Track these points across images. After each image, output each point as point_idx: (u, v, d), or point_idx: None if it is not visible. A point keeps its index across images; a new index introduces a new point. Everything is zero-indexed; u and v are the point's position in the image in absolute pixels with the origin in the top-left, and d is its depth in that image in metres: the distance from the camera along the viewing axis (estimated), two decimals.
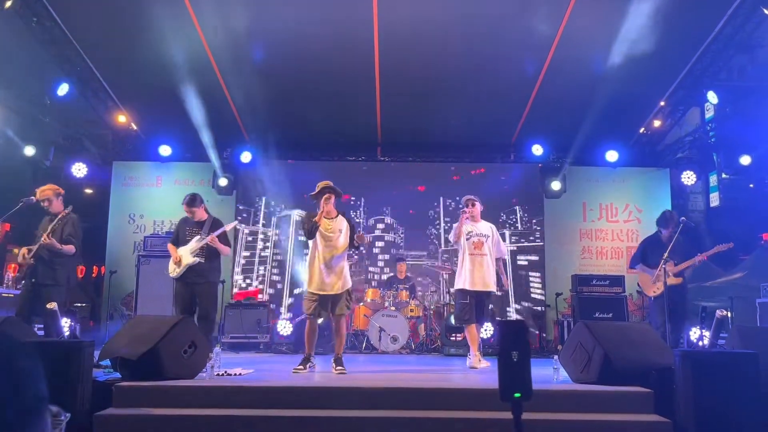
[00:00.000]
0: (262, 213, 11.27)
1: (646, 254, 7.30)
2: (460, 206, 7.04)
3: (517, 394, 1.95)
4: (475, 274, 6.66)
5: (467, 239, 6.76)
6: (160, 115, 10.66)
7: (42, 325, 6.19)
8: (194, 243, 6.54)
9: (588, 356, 4.97)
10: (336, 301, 6.09)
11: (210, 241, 6.46)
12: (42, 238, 6.26)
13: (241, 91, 10.01)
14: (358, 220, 11.02)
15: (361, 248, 6.35)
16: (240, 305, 9.91)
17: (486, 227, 6.92)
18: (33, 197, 6.57)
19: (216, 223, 6.75)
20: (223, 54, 9.20)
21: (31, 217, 7.20)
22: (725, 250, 6.88)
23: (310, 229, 6.05)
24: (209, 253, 6.57)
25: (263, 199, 11.27)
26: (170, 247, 6.69)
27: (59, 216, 6.47)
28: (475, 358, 6.57)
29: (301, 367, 5.90)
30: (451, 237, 6.96)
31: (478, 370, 6.37)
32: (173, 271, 6.52)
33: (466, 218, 6.72)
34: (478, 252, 6.71)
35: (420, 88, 9.83)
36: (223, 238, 6.66)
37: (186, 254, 6.48)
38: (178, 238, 6.70)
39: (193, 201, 6.72)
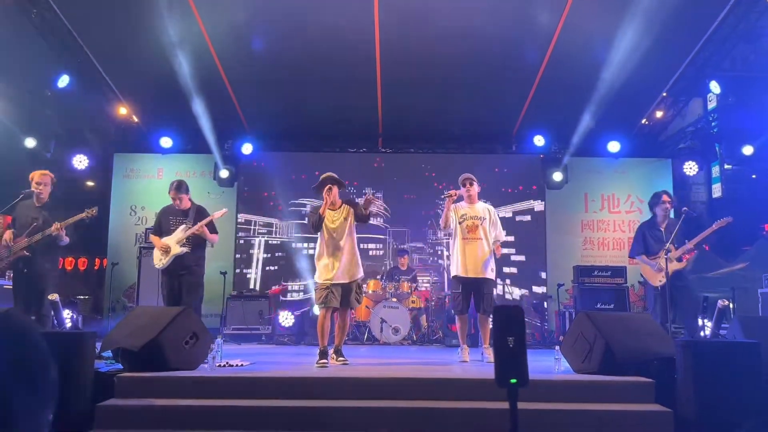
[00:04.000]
0: (263, 204, 11.26)
1: (647, 242, 7.12)
2: (448, 189, 6.49)
3: (513, 380, 1.94)
4: (468, 260, 6.20)
5: (460, 222, 6.29)
6: (161, 107, 10.64)
7: (35, 317, 6.16)
8: (180, 233, 6.40)
9: (589, 346, 4.97)
10: (346, 292, 5.94)
11: (198, 230, 6.34)
12: (53, 228, 6.22)
13: (241, 82, 10.00)
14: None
15: (370, 210, 5.97)
16: (242, 297, 9.94)
17: (482, 209, 6.40)
18: (31, 183, 6.46)
19: (201, 211, 6.60)
20: (224, 45, 9.18)
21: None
22: (724, 226, 6.71)
23: (314, 222, 5.96)
24: (195, 243, 6.46)
25: (264, 190, 11.27)
26: (154, 238, 6.54)
27: (45, 204, 6.46)
28: (464, 352, 6.28)
29: (324, 361, 5.64)
30: (441, 222, 6.44)
31: (480, 362, 6.14)
32: (159, 261, 6.38)
33: (454, 200, 6.30)
34: (472, 236, 6.24)
35: (421, 79, 9.79)
36: (211, 227, 6.52)
37: (173, 244, 6.35)
38: (161, 228, 6.53)
39: (180, 187, 6.57)
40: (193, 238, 6.42)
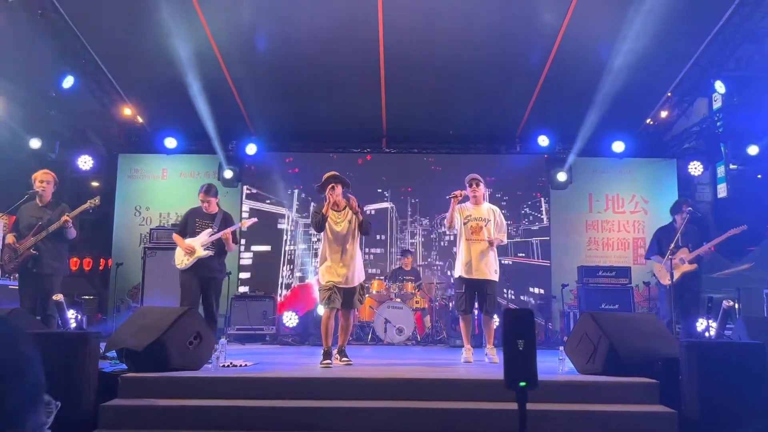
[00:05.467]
0: (267, 204, 11.26)
1: (662, 244, 7.24)
2: (451, 191, 6.38)
3: (522, 383, 1.93)
4: (472, 261, 6.20)
5: (465, 223, 6.28)
6: (165, 108, 10.66)
7: (40, 317, 6.18)
8: (205, 236, 6.40)
9: (594, 347, 4.96)
10: (349, 294, 5.94)
11: (224, 236, 6.37)
12: (62, 219, 6.28)
13: (246, 83, 10.01)
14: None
15: (361, 221, 5.95)
16: (246, 297, 9.96)
17: (487, 210, 6.38)
18: (34, 183, 6.50)
19: (227, 218, 6.65)
20: (228, 46, 9.19)
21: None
22: (739, 233, 6.86)
23: (318, 222, 5.92)
24: (219, 248, 6.49)
25: (269, 190, 11.27)
26: (177, 237, 6.52)
27: (47, 203, 6.51)
28: (467, 352, 6.26)
29: (328, 361, 5.66)
30: (445, 223, 6.45)
31: (484, 363, 6.16)
32: (182, 262, 6.37)
33: (459, 200, 6.29)
34: (476, 237, 6.23)
35: (425, 79, 9.78)
36: (234, 236, 6.59)
37: (198, 246, 6.35)
38: (186, 229, 6.54)
39: (209, 190, 6.62)
40: (217, 243, 6.44)
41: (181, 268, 6.42)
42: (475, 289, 6.28)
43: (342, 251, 5.92)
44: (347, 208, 6.05)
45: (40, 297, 6.30)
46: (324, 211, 5.89)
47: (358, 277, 6.01)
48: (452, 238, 10.50)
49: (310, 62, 9.48)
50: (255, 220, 6.83)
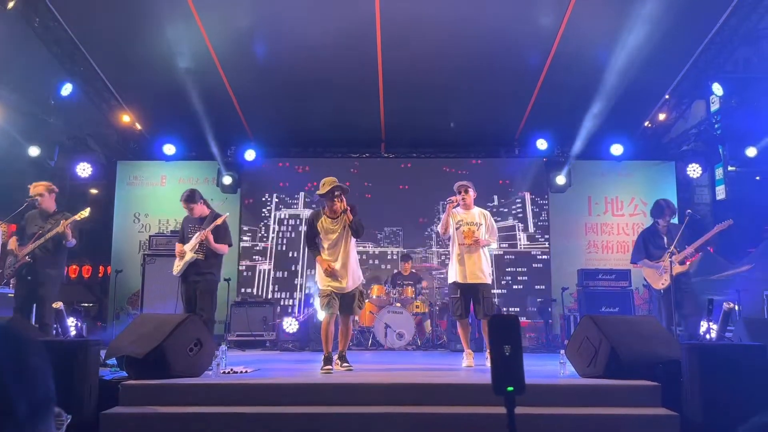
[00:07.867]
0: (266, 210, 11.26)
1: (648, 247, 7.20)
2: (448, 196, 6.46)
3: (509, 388, 1.95)
4: (466, 266, 6.24)
5: (457, 228, 6.34)
6: (163, 114, 10.67)
7: (37, 325, 6.18)
8: (194, 240, 6.33)
9: (595, 350, 4.95)
10: (348, 300, 5.95)
11: (202, 238, 6.24)
12: (60, 226, 6.27)
13: (244, 89, 10.02)
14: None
15: (354, 224, 5.90)
16: (246, 303, 9.94)
17: (478, 215, 6.45)
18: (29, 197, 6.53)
19: (211, 220, 6.48)
20: (227, 52, 9.20)
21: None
22: (726, 228, 6.80)
23: (309, 241, 6.10)
24: (208, 250, 6.35)
25: (267, 196, 11.27)
26: (177, 245, 6.51)
27: (51, 213, 6.52)
28: (467, 357, 6.25)
29: (328, 367, 5.68)
30: (439, 228, 6.52)
31: (485, 367, 6.07)
32: (176, 267, 6.38)
33: (454, 206, 6.36)
34: (468, 242, 6.27)
35: (423, 84, 9.80)
36: (221, 236, 6.40)
37: (188, 250, 6.32)
38: (183, 236, 6.55)
39: (190, 197, 6.47)
40: (206, 245, 6.33)
41: (176, 274, 6.43)
42: (470, 294, 6.30)
43: (337, 257, 5.93)
44: (343, 214, 6.00)
45: (37, 304, 6.30)
46: (321, 263, 5.97)
47: (355, 281, 6.01)
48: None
49: (309, 68, 9.49)
50: (225, 216, 6.54)
